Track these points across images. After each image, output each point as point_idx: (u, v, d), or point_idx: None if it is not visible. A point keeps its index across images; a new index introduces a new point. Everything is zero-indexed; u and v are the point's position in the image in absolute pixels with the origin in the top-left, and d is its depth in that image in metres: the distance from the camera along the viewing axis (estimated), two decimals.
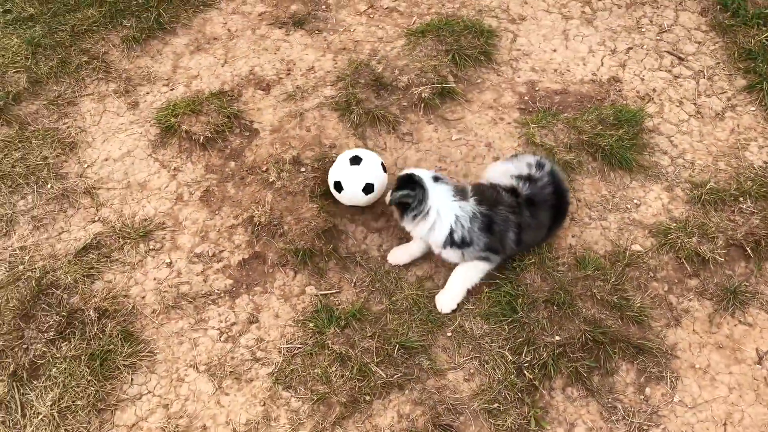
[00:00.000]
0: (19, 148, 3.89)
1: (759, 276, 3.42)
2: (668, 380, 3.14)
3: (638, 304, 3.29)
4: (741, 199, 3.63)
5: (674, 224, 3.55)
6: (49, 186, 3.76)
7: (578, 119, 3.90)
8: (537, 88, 4.12)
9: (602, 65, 4.23)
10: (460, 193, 3.25)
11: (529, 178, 3.30)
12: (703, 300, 3.37)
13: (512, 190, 3.29)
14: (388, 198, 3.38)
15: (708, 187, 3.66)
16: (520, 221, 3.24)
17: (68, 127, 4.00)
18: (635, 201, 3.68)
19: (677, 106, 4.05)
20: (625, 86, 4.13)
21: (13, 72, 4.20)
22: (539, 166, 3.34)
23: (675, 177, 3.75)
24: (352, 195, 3.48)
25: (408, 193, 3.21)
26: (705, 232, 3.50)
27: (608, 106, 3.98)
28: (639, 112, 3.94)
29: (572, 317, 3.25)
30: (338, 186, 3.47)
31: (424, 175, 3.26)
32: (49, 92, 4.14)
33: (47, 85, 4.17)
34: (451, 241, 3.23)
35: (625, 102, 4.04)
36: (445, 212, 3.20)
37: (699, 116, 4.01)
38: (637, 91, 4.10)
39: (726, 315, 3.32)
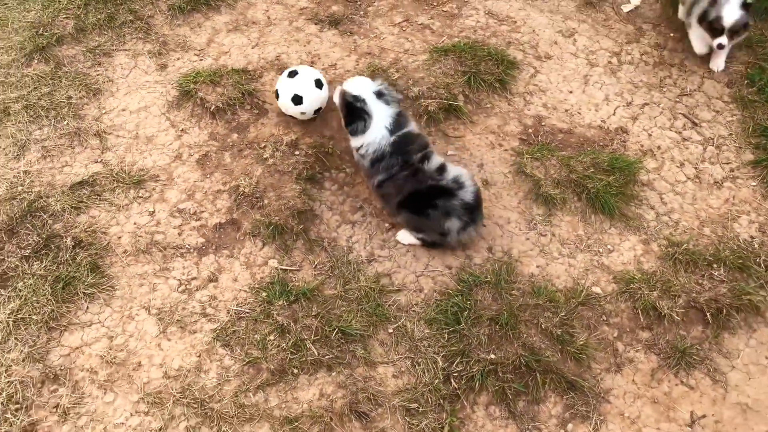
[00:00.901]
0: (49, 84, 4.20)
1: (713, 343, 3.38)
2: (593, 421, 3.14)
3: (582, 343, 3.30)
4: (715, 265, 3.60)
5: (639, 275, 3.55)
6: (65, 122, 4.04)
7: (573, 159, 3.95)
8: (543, 123, 4.20)
9: (614, 114, 4.27)
10: (398, 122, 3.56)
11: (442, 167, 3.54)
12: (650, 353, 3.36)
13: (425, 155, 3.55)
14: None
15: (684, 247, 3.65)
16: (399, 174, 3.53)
17: (98, 75, 4.29)
18: (608, 246, 3.70)
19: (678, 167, 4.05)
20: (631, 138, 4.16)
21: (64, 17, 4.54)
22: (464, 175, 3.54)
23: (655, 232, 3.76)
24: (286, 104, 3.94)
25: (356, 126, 3.56)
26: (668, 289, 3.49)
27: (606, 153, 4.02)
28: (635, 163, 3.97)
29: (512, 340, 3.29)
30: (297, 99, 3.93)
31: (370, 98, 3.56)
32: (90, 41, 4.46)
33: (90, 34, 4.48)
34: (358, 149, 3.62)
35: (626, 153, 4.07)
36: (373, 135, 3.53)
37: (697, 180, 4.00)
38: (642, 145, 4.13)
39: (669, 373, 3.30)
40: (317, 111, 3.99)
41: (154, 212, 3.72)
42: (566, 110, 4.28)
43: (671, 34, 4.75)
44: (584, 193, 3.84)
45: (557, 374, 3.21)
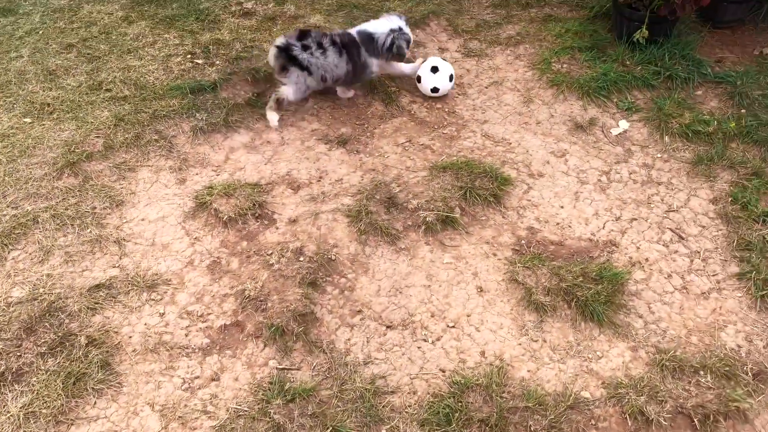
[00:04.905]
0: (76, 196, 4.56)
1: None
2: None
3: None
4: (701, 372, 3.70)
5: (627, 380, 3.66)
6: (88, 230, 4.36)
7: (563, 268, 4.16)
8: (535, 236, 4.44)
9: (603, 228, 4.51)
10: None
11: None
12: None
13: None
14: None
15: (671, 354, 3.77)
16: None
17: (122, 188, 4.66)
18: (598, 353, 3.83)
19: (665, 278, 4.23)
20: (620, 250, 4.37)
21: (95, 137, 4.98)
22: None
23: (643, 340, 3.89)
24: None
25: None
26: (655, 394, 3.58)
27: (596, 263, 4.22)
28: (623, 273, 4.16)
29: None
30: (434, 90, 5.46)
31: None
32: (117, 158, 4.86)
33: (118, 152, 4.90)
34: None
35: (615, 264, 4.27)
36: None
37: (684, 291, 4.16)
38: (630, 257, 4.33)
39: None
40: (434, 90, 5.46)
41: (164, 314, 3.94)
42: (558, 224, 4.53)
43: (658, 155, 5.06)
44: (574, 301, 4.01)
45: None
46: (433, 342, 3.87)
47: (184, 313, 3.95)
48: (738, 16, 6.22)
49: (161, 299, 4.02)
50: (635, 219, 4.59)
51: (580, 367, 3.76)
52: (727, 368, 3.71)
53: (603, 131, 5.27)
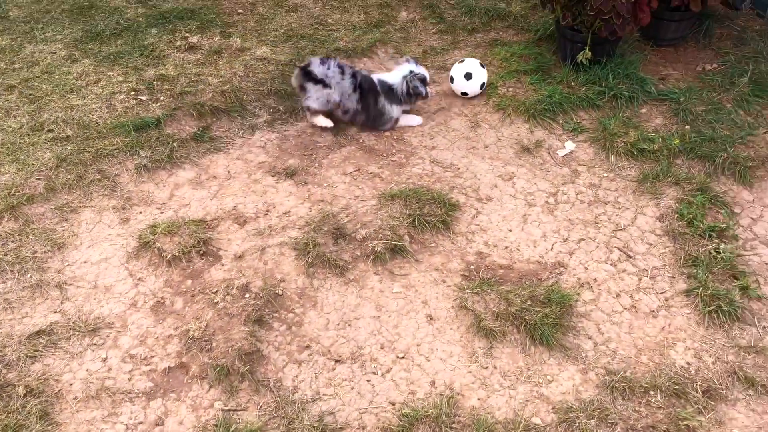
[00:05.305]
0: (16, 240, 4.45)
1: None
2: None
3: None
4: (651, 392, 3.70)
5: (577, 404, 3.64)
6: (29, 275, 4.25)
7: (511, 292, 4.15)
8: (485, 260, 4.43)
9: (551, 250, 4.52)
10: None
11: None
12: None
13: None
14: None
15: (621, 375, 3.76)
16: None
17: (64, 230, 4.56)
18: (548, 377, 3.81)
19: (614, 297, 4.24)
20: (569, 272, 4.38)
21: (36, 178, 4.88)
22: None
23: (593, 362, 3.88)
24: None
25: None
26: (605, 417, 3.57)
27: (544, 286, 4.21)
28: (570, 294, 4.15)
29: None
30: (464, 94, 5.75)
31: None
32: (59, 199, 4.76)
33: (60, 193, 4.80)
34: None
35: (563, 285, 4.26)
36: None
37: (633, 310, 4.17)
38: (578, 278, 4.34)
39: None
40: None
41: (106, 358, 3.84)
42: (506, 247, 4.53)
43: (605, 175, 5.10)
44: (523, 325, 3.99)
45: None
46: (382, 374, 3.81)
47: (127, 356, 3.86)
48: (679, 33, 6.33)
49: (104, 343, 3.92)
50: (583, 239, 4.61)
51: (531, 393, 3.73)
52: (677, 387, 3.71)
53: (549, 153, 5.30)
